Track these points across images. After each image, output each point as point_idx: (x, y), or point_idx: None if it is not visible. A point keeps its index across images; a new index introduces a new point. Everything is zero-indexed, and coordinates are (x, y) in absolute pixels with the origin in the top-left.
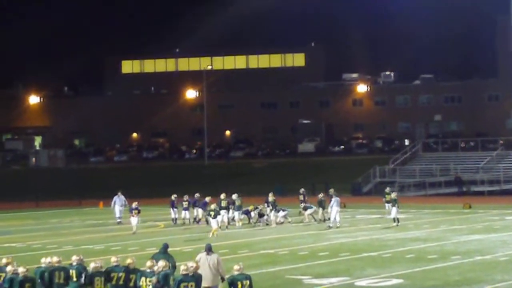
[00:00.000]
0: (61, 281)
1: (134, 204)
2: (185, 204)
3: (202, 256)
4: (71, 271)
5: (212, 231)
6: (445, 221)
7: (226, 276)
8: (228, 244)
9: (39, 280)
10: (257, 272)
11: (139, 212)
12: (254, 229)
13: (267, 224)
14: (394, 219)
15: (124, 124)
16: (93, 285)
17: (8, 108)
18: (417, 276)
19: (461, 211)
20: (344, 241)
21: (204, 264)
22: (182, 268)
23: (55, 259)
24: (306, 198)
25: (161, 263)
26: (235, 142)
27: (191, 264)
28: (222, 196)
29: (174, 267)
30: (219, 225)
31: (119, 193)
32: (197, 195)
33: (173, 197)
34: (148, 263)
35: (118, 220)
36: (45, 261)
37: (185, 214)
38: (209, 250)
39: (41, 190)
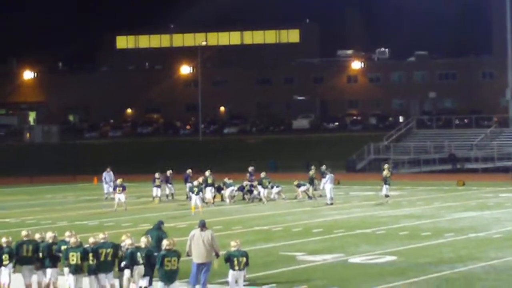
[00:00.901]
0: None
1: (119, 181)
2: (157, 181)
3: (196, 232)
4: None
5: (192, 208)
6: (439, 198)
7: (222, 252)
8: (222, 221)
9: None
10: (251, 249)
11: (124, 189)
12: (248, 206)
13: (259, 200)
14: (385, 195)
15: (118, 100)
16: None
17: (2, 83)
18: (411, 253)
19: (455, 188)
20: (338, 218)
21: (198, 240)
22: (165, 243)
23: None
24: (253, 177)
25: (128, 241)
26: (230, 118)
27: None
28: (207, 173)
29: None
30: (206, 201)
31: (108, 169)
32: (189, 171)
33: (168, 173)
34: (143, 239)
35: (106, 195)
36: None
37: (157, 191)
38: (202, 226)
39: (35, 166)
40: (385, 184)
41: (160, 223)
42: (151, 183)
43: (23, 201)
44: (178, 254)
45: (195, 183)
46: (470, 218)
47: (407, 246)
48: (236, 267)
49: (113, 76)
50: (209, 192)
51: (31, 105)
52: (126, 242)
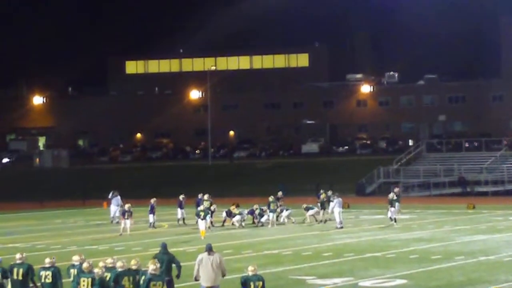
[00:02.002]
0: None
1: (127, 207)
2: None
3: (203, 256)
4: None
5: (201, 232)
6: (449, 221)
7: (238, 276)
8: (232, 244)
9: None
10: (261, 273)
11: (131, 214)
12: (258, 230)
13: (270, 224)
14: (390, 218)
15: (128, 125)
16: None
17: (12, 108)
18: (421, 276)
19: (465, 211)
20: (348, 241)
21: (207, 264)
22: (151, 267)
23: (119, 263)
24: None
25: (97, 269)
26: (239, 143)
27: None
28: (206, 197)
29: (179, 266)
30: (209, 226)
31: (116, 193)
32: (200, 195)
33: (181, 197)
34: (151, 266)
35: (112, 219)
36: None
37: (152, 218)
38: (209, 250)
39: (45, 191)
40: (391, 206)
41: (164, 246)
42: (162, 207)
43: (33, 226)
44: (163, 279)
45: (201, 207)
46: (480, 241)
47: (417, 270)
48: None
49: (123, 101)
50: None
51: (41, 130)
52: (96, 271)
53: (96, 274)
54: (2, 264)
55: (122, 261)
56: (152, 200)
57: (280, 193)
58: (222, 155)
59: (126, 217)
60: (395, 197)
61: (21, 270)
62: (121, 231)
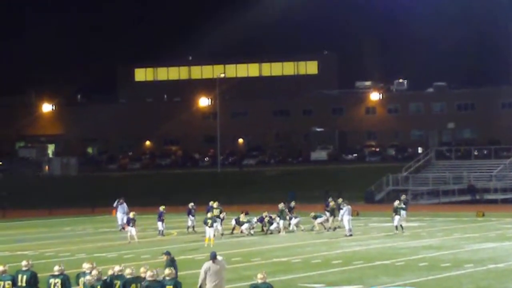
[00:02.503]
0: None
1: (132, 214)
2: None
3: (209, 265)
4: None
5: (206, 239)
6: (458, 229)
7: (247, 283)
8: (241, 252)
9: None
10: (270, 280)
11: (135, 222)
12: (267, 237)
13: (278, 232)
14: (396, 226)
15: (137, 132)
16: None
17: (21, 116)
18: (430, 284)
19: (474, 219)
20: (357, 249)
21: (215, 272)
22: (149, 274)
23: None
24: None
25: (88, 277)
26: (248, 150)
27: (156, 270)
28: (215, 204)
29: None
30: (215, 233)
31: (122, 200)
32: (211, 203)
33: (190, 205)
34: (167, 271)
35: (120, 227)
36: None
37: (162, 225)
38: (214, 258)
39: (54, 198)
40: (396, 214)
41: (169, 253)
42: (171, 215)
43: (42, 234)
44: (162, 285)
45: (209, 215)
46: (489, 249)
47: (427, 278)
48: None
49: (132, 108)
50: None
51: (50, 138)
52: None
53: (88, 282)
54: (12, 271)
55: (131, 268)
56: (161, 208)
57: (293, 203)
58: (231, 163)
59: (131, 225)
60: (401, 205)
61: (25, 277)
62: (129, 239)
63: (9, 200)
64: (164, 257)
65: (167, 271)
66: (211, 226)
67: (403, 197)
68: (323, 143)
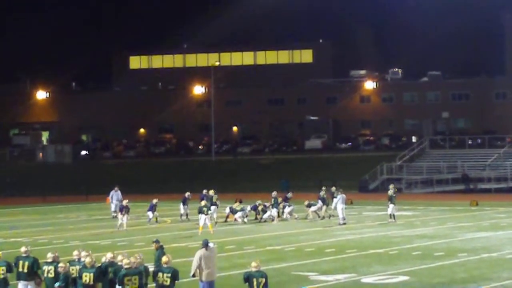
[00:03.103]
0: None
1: (125, 202)
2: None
3: (202, 252)
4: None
5: (200, 228)
6: (452, 218)
7: (240, 271)
8: (235, 240)
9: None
10: (263, 268)
11: (128, 210)
12: (261, 225)
13: (272, 220)
14: (390, 215)
15: (131, 120)
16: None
17: (15, 103)
18: (423, 273)
19: (468, 208)
20: (350, 238)
21: (208, 259)
22: (125, 262)
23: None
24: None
25: (61, 263)
26: (242, 138)
27: (134, 257)
28: (211, 192)
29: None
30: (211, 221)
31: (116, 188)
32: (205, 191)
33: (187, 194)
34: (164, 259)
35: (114, 214)
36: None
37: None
38: (206, 245)
39: (48, 185)
40: (391, 203)
41: (158, 241)
42: (164, 202)
43: (36, 221)
44: (139, 272)
45: (203, 203)
46: (483, 238)
47: (420, 266)
48: None
49: (126, 96)
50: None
51: (44, 125)
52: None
53: (61, 268)
54: (6, 258)
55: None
56: (154, 201)
57: (290, 194)
58: (225, 151)
59: (123, 213)
60: (394, 194)
61: (26, 263)
62: (118, 226)
63: (3, 187)
64: (154, 245)
65: (164, 258)
66: (207, 214)
67: (391, 186)
68: (318, 132)
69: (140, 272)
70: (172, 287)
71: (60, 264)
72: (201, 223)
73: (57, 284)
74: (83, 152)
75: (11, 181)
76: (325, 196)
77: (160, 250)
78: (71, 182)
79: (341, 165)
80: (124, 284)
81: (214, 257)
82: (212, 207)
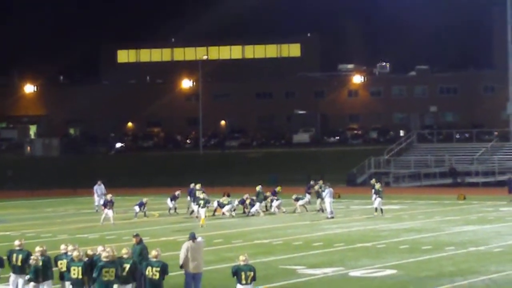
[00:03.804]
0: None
1: (109, 197)
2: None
3: (189, 244)
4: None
5: (202, 220)
6: (440, 212)
7: (229, 265)
8: (222, 234)
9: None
10: (251, 262)
11: (112, 204)
12: (248, 219)
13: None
14: (376, 209)
15: (119, 113)
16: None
17: (3, 96)
18: (411, 266)
19: (455, 202)
20: (338, 231)
21: (195, 251)
22: (104, 254)
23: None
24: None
25: (33, 256)
26: (230, 132)
27: (109, 250)
28: (197, 186)
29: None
30: (197, 215)
31: (99, 182)
32: (192, 185)
33: (177, 193)
34: (153, 253)
35: (96, 208)
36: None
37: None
38: (193, 238)
39: (36, 179)
40: (378, 197)
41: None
42: (152, 196)
43: (24, 215)
44: (116, 265)
45: (201, 196)
46: (470, 232)
47: (408, 260)
48: (244, 281)
49: (114, 90)
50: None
51: (32, 119)
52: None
53: (32, 261)
54: None
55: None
56: (145, 200)
57: (279, 188)
58: (213, 145)
59: (108, 207)
60: (381, 188)
61: (20, 256)
62: (102, 220)
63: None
64: (134, 239)
65: (153, 252)
66: (204, 207)
67: (373, 181)
68: (305, 126)
69: (120, 264)
70: (162, 281)
71: (32, 257)
72: (202, 215)
73: (27, 277)
74: (119, 145)
75: (12, 175)
76: (319, 190)
77: (141, 244)
78: (59, 176)
79: (329, 159)
80: (102, 275)
81: (201, 249)
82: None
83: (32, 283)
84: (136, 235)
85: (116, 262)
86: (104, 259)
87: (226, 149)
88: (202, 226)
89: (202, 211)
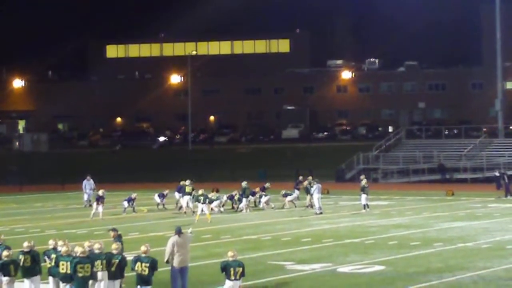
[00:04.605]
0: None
1: (101, 192)
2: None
3: (176, 239)
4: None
5: (208, 216)
6: (428, 208)
7: (218, 261)
8: (211, 229)
9: None
10: (239, 258)
11: (103, 200)
12: (237, 215)
13: (241, 211)
14: (364, 206)
15: (108, 109)
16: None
17: None
18: (399, 262)
19: (444, 198)
20: (327, 227)
21: (182, 245)
22: (80, 250)
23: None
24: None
25: (5, 252)
26: (219, 128)
27: (87, 245)
28: (187, 182)
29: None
30: (184, 211)
31: (88, 177)
32: (182, 182)
33: (165, 192)
34: (143, 248)
35: (86, 204)
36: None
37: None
38: (179, 232)
39: (24, 174)
40: (364, 193)
41: (115, 230)
42: (140, 191)
43: (12, 210)
44: (91, 261)
45: (200, 191)
46: (458, 228)
47: (396, 256)
48: (233, 277)
49: (103, 85)
50: (185, 202)
51: (21, 114)
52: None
53: (4, 256)
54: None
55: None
56: (133, 195)
57: (268, 184)
58: (202, 140)
59: (99, 202)
60: (366, 185)
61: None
62: (92, 216)
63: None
64: (111, 234)
65: (143, 248)
66: (204, 202)
67: (362, 177)
68: (294, 121)
69: (92, 261)
70: (151, 276)
71: (4, 253)
72: (198, 211)
73: None
74: (162, 139)
75: (15, 169)
76: (308, 186)
77: (118, 239)
78: (48, 171)
79: (318, 155)
80: (77, 271)
81: (187, 244)
82: (186, 197)
83: (4, 278)
84: (113, 229)
85: (91, 257)
86: (80, 254)
87: (215, 144)
88: (209, 221)
89: (205, 207)
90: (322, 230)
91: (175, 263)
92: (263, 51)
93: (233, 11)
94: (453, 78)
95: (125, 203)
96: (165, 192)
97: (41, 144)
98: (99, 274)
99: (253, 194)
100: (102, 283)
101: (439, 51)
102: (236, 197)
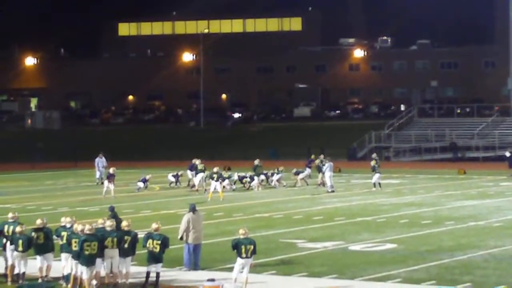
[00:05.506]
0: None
1: (112, 170)
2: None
3: (190, 216)
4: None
5: (209, 195)
6: (440, 186)
7: (229, 238)
8: (223, 207)
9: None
10: (251, 236)
11: (114, 178)
12: (249, 193)
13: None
14: (374, 184)
15: (120, 87)
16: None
17: (4, 69)
18: (411, 241)
19: (456, 176)
20: (339, 205)
21: (196, 223)
22: (87, 227)
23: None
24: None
25: (18, 228)
26: (231, 106)
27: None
28: (198, 161)
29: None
30: (198, 188)
31: (101, 155)
32: (194, 160)
33: (179, 172)
34: (154, 226)
35: (97, 181)
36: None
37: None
38: (194, 209)
39: (36, 152)
40: (376, 172)
41: (111, 208)
42: (153, 169)
43: (24, 187)
44: (98, 239)
45: (215, 169)
46: (470, 206)
47: (407, 234)
48: (244, 255)
49: (115, 63)
50: (198, 180)
51: (33, 91)
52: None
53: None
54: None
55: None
56: (148, 176)
57: (281, 167)
58: (214, 119)
59: (110, 180)
60: (376, 164)
61: (11, 228)
62: (104, 194)
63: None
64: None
65: (154, 225)
66: (217, 180)
67: (374, 155)
68: (306, 100)
69: (99, 239)
70: (162, 253)
71: (17, 229)
72: (212, 189)
73: (12, 247)
74: (237, 115)
75: (42, 146)
76: (320, 164)
77: (112, 217)
78: (60, 149)
79: (329, 133)
80: (84, 249)
81: (201, 221)
82: (199, 175)
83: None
84: (110, 209)
85: (103, 234)
86: (88, 232)
87: (230, 121)
88: (222, 199)
89: (218, 185)
90: (334, 208)
91: (190, 240)
92: (275, 29)
93: None
94: (466, 57)
95: (141, 184)
96: (180, 172)
97: (53, 122)
98: (110, 252)
99: (265, 174)
100: (113, 260)
101: (452, 30)
102: (246, 179)
